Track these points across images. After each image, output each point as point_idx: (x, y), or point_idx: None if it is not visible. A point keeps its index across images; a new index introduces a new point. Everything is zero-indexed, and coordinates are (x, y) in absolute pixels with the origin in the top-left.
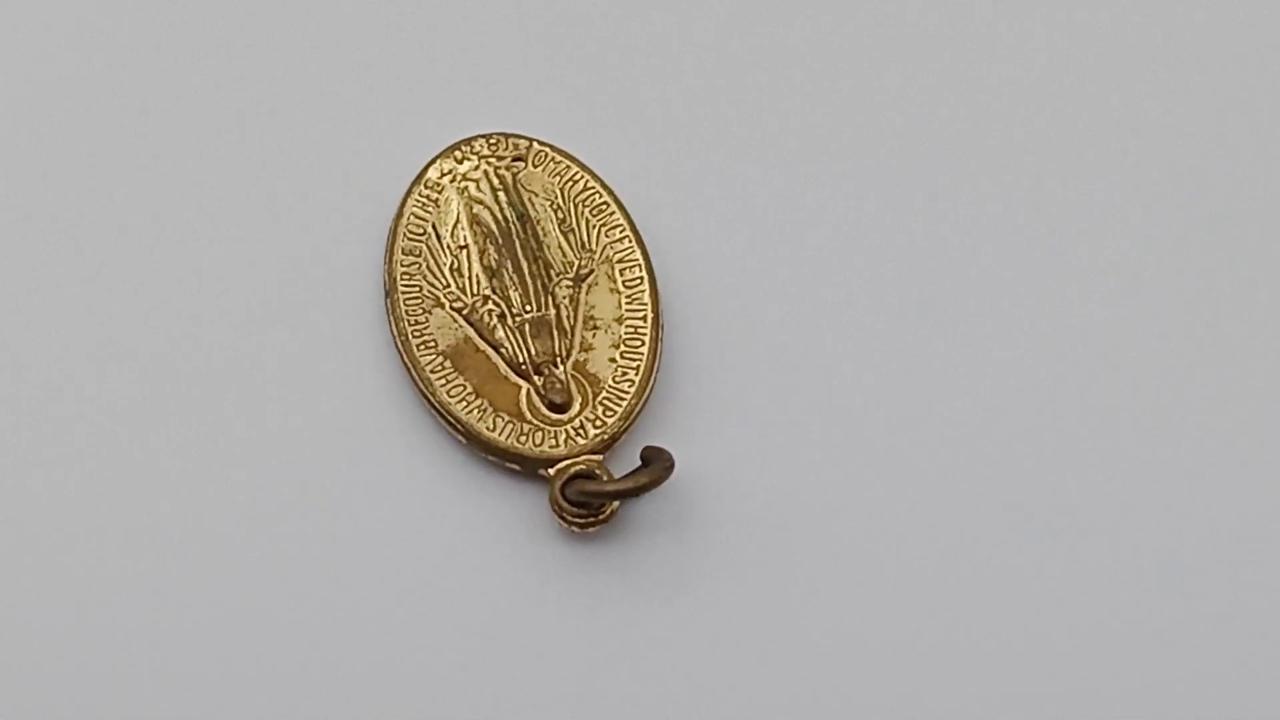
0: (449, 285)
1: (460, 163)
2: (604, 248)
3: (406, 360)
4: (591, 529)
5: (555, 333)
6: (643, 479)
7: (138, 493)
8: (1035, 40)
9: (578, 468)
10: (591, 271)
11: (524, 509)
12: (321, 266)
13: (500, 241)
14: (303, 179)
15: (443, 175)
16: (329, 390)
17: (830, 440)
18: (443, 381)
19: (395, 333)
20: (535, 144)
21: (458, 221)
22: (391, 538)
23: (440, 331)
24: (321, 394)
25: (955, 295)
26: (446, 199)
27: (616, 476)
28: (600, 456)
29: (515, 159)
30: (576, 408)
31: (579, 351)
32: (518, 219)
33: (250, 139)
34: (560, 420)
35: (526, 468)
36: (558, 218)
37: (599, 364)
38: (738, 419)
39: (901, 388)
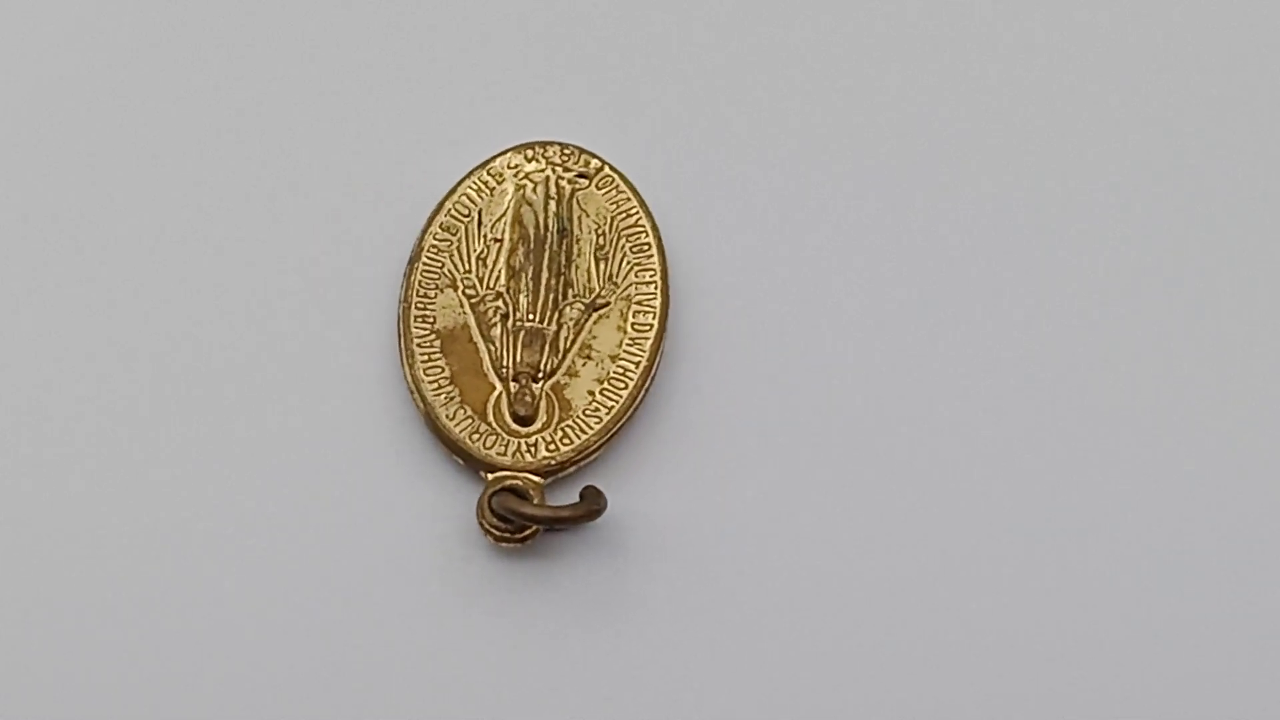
0: (469, 271)
1: (529, 161)
2: (629, 285)
3: (400, 328)
4: (508, 545)
5: (547, 348)
6: (564, 512)
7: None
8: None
9: (512, 482)
10: (608, 304)
11: (460, 508)
12: (370, 232)
13: (532, 246)
14: (380, 153)
15: (508, 168)
16: (324, 351)
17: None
18: (424, 358)
19: (400, 299)
20: (606, 167)
21: (503, 215)
22: (327, 501)
23: (444, 311)
24: (318, 354)
25: (982, 353)
26: (502, 190)
27: (547, 503)
28: (541, 480)
29: (580, 175)
30: (538, 425)
31: (563, 374)
32: (557, 231)
33: (350, 117)
34: (518, 432)
35: (470, 466)
36: (597, 242)
37: (577, 392)
38: (704, 478)
39: (883, 454)
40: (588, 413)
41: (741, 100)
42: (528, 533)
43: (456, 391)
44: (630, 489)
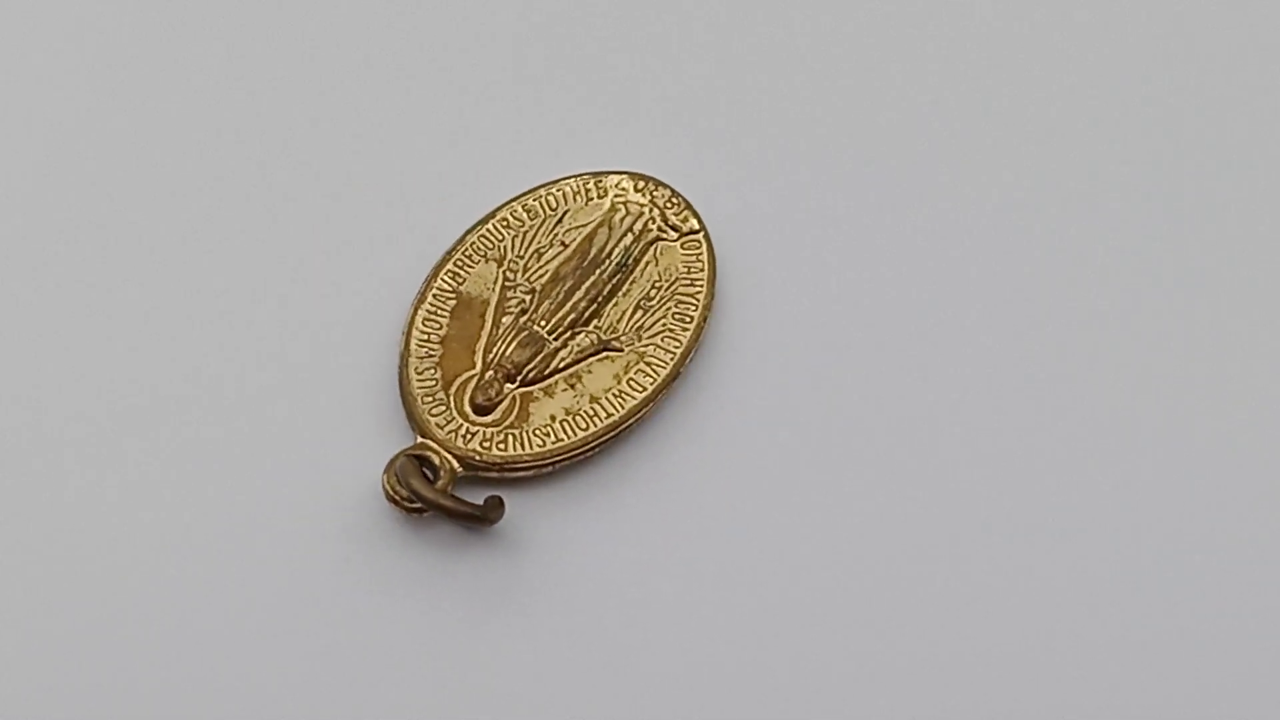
0: (522, 257)
1: (637, 190)
2: (651, 344)
3: (431, 272)
4: (401, 510)
5: (539, 358)
6: (447, 502)
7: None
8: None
9: (427, 454)
10: (620, 350)
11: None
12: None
13: (583, 264)
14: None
15: (616, 187)
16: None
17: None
18: (432, 309)
19: (448, 250)
20: (701, 233)
21: (584, 225)
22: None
23: (476, 279)
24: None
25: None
26: (598, 204)
27: (451, 492)
28: (459, 469)
29: (672, 228)
30: (488, 420)
31: (540, 389)
32: (616, 263)
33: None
34: (467, 416)
35: (410, 425)
36: (647, 292)
37: (542, 410)
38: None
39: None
40: (537, 432)
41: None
42: (416, 506)
43: (440, 353)
44: (553, 518)
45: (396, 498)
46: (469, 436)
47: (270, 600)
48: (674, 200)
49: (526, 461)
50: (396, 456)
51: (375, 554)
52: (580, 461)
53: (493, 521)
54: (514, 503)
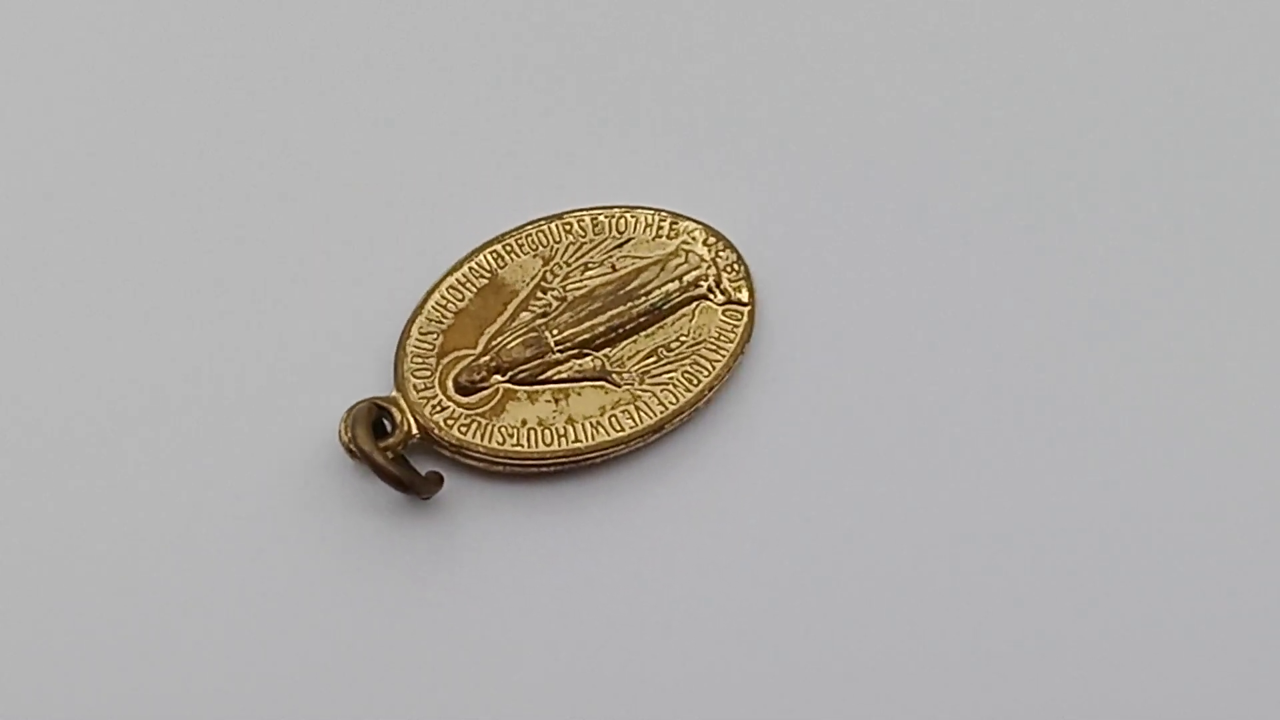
0: (568, 265)
1: (704, 244)
2: (649, 390)
3: (475, 249)
4: (351, 459)
5: (534, 363)
6: (378, 457)
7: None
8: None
9: (393, 410)
10: (618, 387)
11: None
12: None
13: (619, 293)
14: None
15: (688, 234)
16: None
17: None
18: (461, 280)
19: (501, 234)
20: (748, 307)
21: (639, 257)
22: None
23: (517, 268)
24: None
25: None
26: (662, 243)
27: (400, 455)
28: (416, 434)
29: (722, 291)
30: (463, 401)
31: (522, 391)
32: (649, 304)
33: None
34: (445, 389)
35: (393, 380)
36: (669, 344)
37: (517, 412)
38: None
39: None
40: (502, 430)
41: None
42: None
43: (451, 323)
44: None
45: (344, 443)
46: (438, 408)
47: (215, 533)
48: (736, 266)
49: (479, 453)
50: (360, 403)
51: (323, 501)
52: (531, 474)
53: (422, 495)
54: (470, 491)
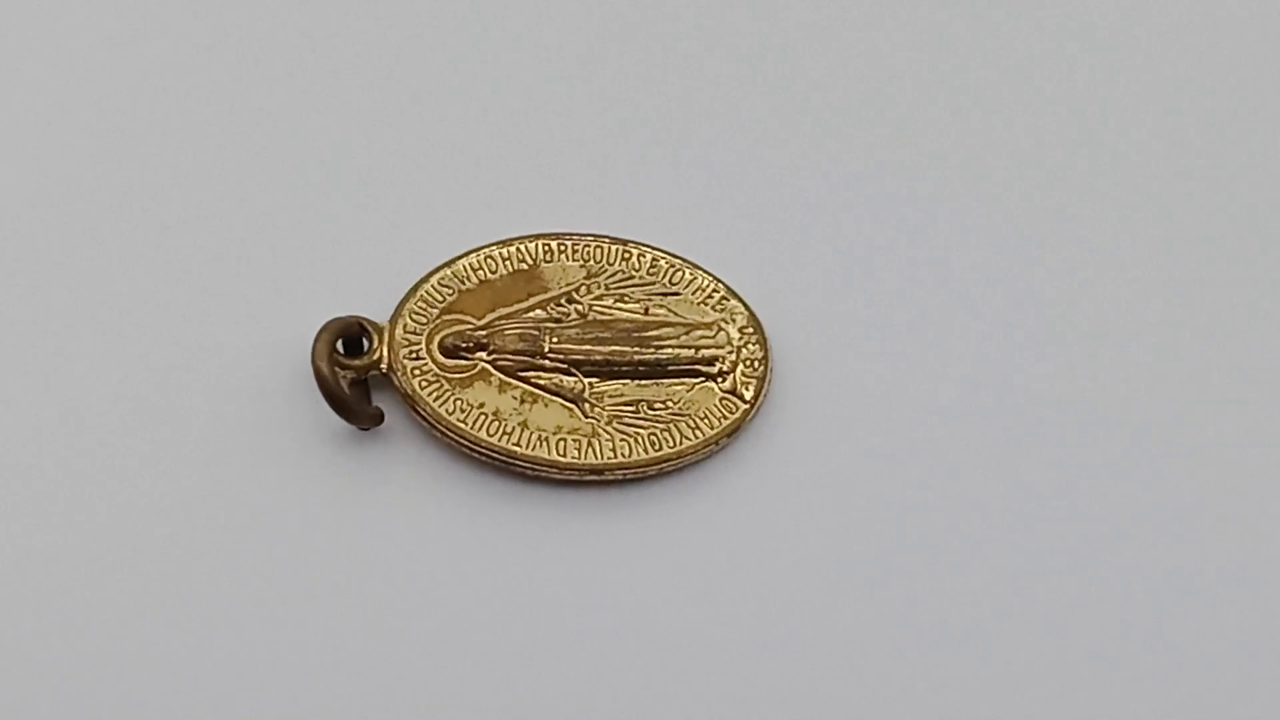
0: (607, 291)
1: (740, 329)
2: (611, 433)
3: (531, 237)
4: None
5: (517, 358)
6: (324, 368)
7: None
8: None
9: (371, 334)
10: (585, 415)
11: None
12: None
13: (632, 334)
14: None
15: (731, 314)
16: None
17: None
18: (501, 257)
19: (567, 233)
20: (746, 408)
21: (676, 314)
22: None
23: (560, 268)
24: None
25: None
26: (705, 312)
27: (354, 376)
28: (381, 369)
29: (729, 381)
30: (447, 363)
31: (497, 377)
32: (655, 359)
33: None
34: (429, 342)
35: (389, 316)
36: (653, 400)
37: (479, 393)
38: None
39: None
40: (456, 401)
41: None
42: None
43: (470, 289)
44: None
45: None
46: (414, 356)
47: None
48: (757, 365)
49: (425, 412)
50: (344, 318)
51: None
52: (463, 452)
53: (357, 424)
54: (408, 442)
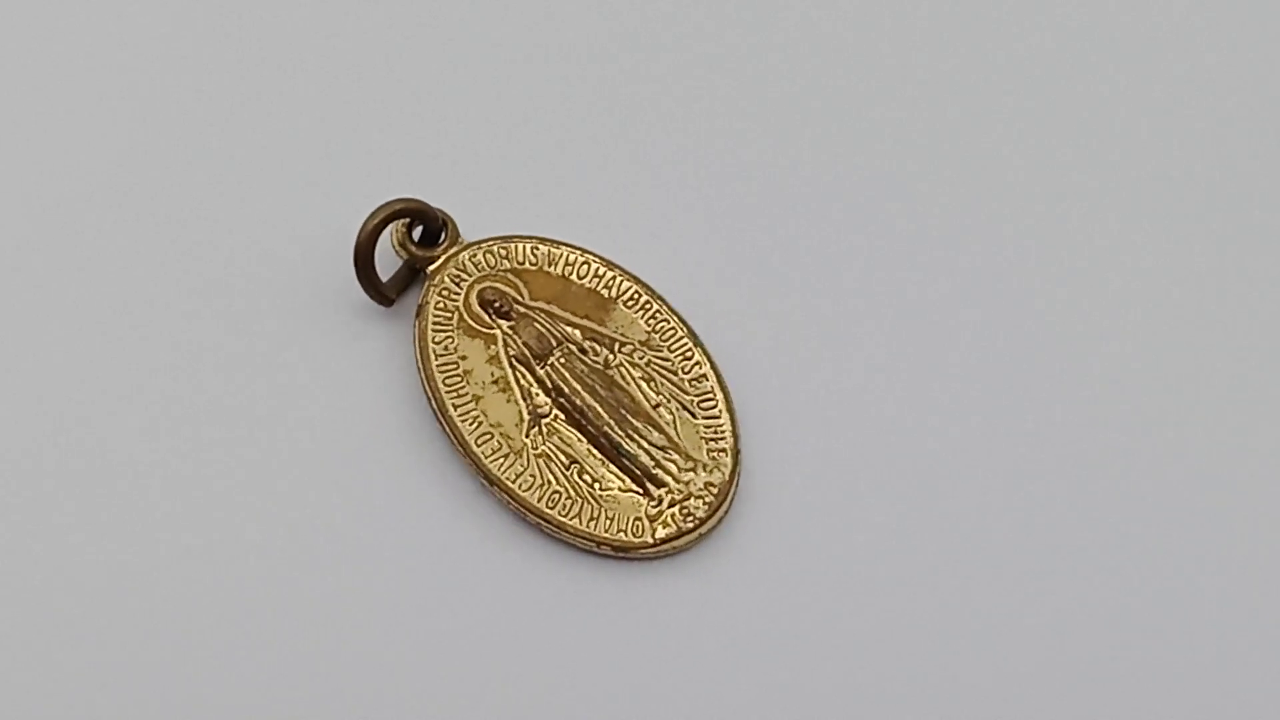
0: (649, 366)
1: (705, 474)
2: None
3: (639, 280)
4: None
5: (522, 346)
6: (365, 242)
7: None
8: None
9: (445, 223)
10: (523, 434)
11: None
12: None
13: (622, 411)
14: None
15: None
16: None
17: None
18: (600, 269)
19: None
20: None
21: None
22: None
23: (630, 314)
24: None
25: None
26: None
27: (408, 258)
28: (437, 264)
29: (669, 505)
30: (462, 299)
31: (500, 348)
32: (616, 443)
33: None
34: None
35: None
36: (584, 470)
37: (474, 348)
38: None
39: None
40: (450, 336)
41: None
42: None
43: (555, 269)
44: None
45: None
46: (457, 280)
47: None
48: (705, 490)
49: (418, 326)
50: (435, 207)
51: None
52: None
53: (380, 301)
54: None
